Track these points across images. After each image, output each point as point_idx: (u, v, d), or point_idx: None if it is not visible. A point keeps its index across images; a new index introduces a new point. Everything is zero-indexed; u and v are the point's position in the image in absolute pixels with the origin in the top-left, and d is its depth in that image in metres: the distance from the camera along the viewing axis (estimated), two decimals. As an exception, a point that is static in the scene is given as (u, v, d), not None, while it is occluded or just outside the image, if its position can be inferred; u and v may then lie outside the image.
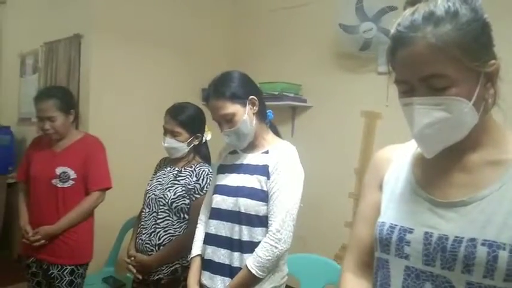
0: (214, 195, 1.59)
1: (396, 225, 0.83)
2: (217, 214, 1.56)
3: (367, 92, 2.81)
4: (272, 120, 1.68)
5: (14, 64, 3.99)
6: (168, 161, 2.06)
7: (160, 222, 1.89)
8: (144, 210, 1.98)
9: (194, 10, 3.44)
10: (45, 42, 3.37)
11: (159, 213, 1.89)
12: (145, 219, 1.94)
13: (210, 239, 1.56)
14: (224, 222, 1.52)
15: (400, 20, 0.77)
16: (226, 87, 1.49)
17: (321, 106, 3.08)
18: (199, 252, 1.60)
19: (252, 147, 1.58)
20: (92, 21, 2.95)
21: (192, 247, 1.64)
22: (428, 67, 0.73)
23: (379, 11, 2.61)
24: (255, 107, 1.53)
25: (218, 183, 1.61)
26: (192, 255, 1.62)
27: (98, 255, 2.84)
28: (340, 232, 2.91)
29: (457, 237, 0.74)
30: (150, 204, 1.94)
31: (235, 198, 1.51)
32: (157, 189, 1.94)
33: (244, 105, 1.50)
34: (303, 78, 3.13)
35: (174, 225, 1.88)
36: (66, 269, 2.11)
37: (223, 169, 1.63)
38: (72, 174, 2.11)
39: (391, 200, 0.88)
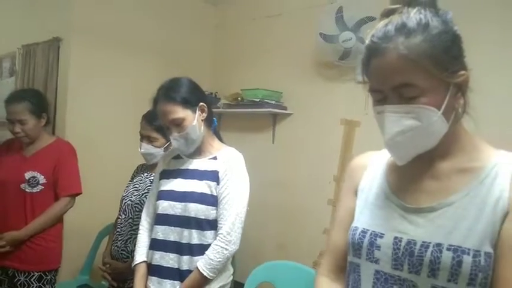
0: (160, 201, 1.58)
1: (368, 230, 0.85)
2: (164, 220, 1.55)
3: (346, 101, 2.84)
4: (216, 127, 1.71)
5: (-10, 66, 3.90)
6: (145, 167, 2.04)
7: (137, 229, 1.85)
8: (120, 217, 1.95)
9: (176, 17, 3.44)
10: (22, 45, 3.31)
11: (135, 220, 1.87)
12: (121, 225, 1.91)
13: (158, 245, 1.55)
14: (172, 228, 1.53)
15: (374, 31, 0.79)
16: (176, 92, 1.51)
17: (301, 114, 3.10)
18: (144, 259, 1.59)
19: (198, 152, 1.60)
20: (72, 24, 2.92)
21: (135, 254, 1.62)
22: (399, 76, 0.74)
23: (358, 21, 2.66)
24: (204, 114, 1.56)
25: (162, 188, 1.60)
26: (136, 262, 1.60)
27: (73, 263, 2.79)
28: (318, 239, 2.92)
29: (424, 242, 0.76)
30: (126, 211, 1.91)
31: (183, 203, 1.51)
32: (134, 195, 1.92)
33: (194, 111, 1.53)
34: (283, 85, 3.16)
35: (150, 231, 1.85)
36: (34, 275, 2.05)
37: (167, 174, 1.63)
38: (41, 179, 2.06)
39: (365, 205, 0.90)
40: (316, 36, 2.81)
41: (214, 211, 1.51)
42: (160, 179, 1.64)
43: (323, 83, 2.98)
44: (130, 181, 2.05)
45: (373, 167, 0.94)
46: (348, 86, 2.84)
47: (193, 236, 1.49)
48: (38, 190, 2.05)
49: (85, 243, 2.77)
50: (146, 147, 1.91)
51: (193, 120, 1.51)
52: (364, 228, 0.85)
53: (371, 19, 2.60)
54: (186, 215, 1.50)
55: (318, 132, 2.98)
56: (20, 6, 3.60)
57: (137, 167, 2.11)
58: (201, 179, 1.53)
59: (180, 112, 1.49)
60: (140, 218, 1.85)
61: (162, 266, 1.52)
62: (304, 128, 3.06)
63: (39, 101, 2.13)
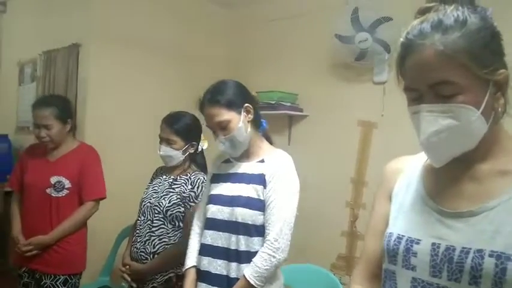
0: (209, 205, 1.57)
1: (403, 236, 0.81)
2: (213, 224, 1.54)
3: (363, 102, 2.82)
4: (266, 129, 1.68)
5: (12, 72, 4.01)
6: (164, 170, 2.06)
7: (155, 231, 1.89)
8: (139, 219, 1.98)
9: (192, 20, 3.47)
10: (43, 51, 3.39)
11: (154, 222, 1.89)
12: (140, 227, 1.93)
13: (206, 250, 1.54)
14: (220, 233, 1.51)
15: (409, 28, 0.77)
16: (221, 94, 1.50)
17: (317, 115, 3.09)
18: (194, 264, 1.58)
19: (246, 155, 1.57)
20: (91, 30, 2.98)
21: (186, 259, 1.61)
22: (436, 74, 0.72)
23: (374, 21, 2.64)
24: (250, 115, 1.54)
25: (212, 192, 1.59)
26: (186, 267, 1.59)
27: (93, 264, 2.83)
28: (336, 242, 2.90)
29: (464, 248, 0.72)
30: (145, 212, 1.94)
31: (231, 208, 1.49)
32: (153, 198, 1.95)
33: (240, 112, 1.51)
34: (299, 87, 3.16)
35: (168, 233, 1.88)
36: (60, 278, 2.09)
37: (217, 178, 1.62)
38: (67, 183, 2.09)
39: (400, 210, 0.86)
40: (331, 37, 2.80)
41: (262, 216, 1.46)
42: (211, 183, 1.63)
43: (339, 84, 2.96)
44: (149, 183, 2.08)
45: (408, 171, 0.90)
46: (365, 87, 2.82)
47: (241, 242, 1.46)
48: (64, 194, 2.09)
49: (105, 245, 2.81)
50: (165, 150, 1.93)
51: (239, 122, 1.49)
52: (399, 234, 0.82)
53: (387, 19, 2.58)
54: (233, 220, 1.47)
55: (335, 134, 2.97)
56: (40, 13, 3.69)
57: (156, 170, 2.14)
58: (248, 183, 1.50)
59: (225, 114, 1.48)
60: (159, 220, 1.89)
61: (211, 273, 1.50)
62: (321, 130, 3.05)
63: (65, 107, 2.18)
